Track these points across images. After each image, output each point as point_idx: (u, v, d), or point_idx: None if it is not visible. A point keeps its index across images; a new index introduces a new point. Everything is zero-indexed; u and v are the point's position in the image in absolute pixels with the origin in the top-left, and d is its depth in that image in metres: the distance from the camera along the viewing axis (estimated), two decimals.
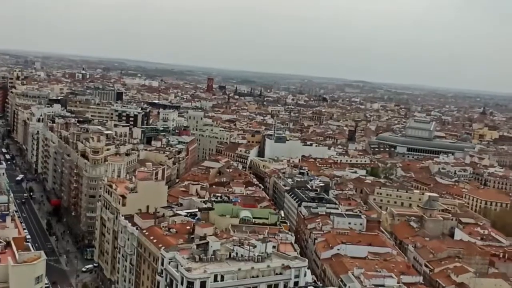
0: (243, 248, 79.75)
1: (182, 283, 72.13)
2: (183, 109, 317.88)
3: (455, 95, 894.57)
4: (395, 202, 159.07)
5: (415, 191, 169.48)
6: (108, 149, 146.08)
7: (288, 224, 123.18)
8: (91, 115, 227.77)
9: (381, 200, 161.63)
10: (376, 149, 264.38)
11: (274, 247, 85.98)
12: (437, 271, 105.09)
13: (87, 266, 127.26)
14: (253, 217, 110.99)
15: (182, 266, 73.57)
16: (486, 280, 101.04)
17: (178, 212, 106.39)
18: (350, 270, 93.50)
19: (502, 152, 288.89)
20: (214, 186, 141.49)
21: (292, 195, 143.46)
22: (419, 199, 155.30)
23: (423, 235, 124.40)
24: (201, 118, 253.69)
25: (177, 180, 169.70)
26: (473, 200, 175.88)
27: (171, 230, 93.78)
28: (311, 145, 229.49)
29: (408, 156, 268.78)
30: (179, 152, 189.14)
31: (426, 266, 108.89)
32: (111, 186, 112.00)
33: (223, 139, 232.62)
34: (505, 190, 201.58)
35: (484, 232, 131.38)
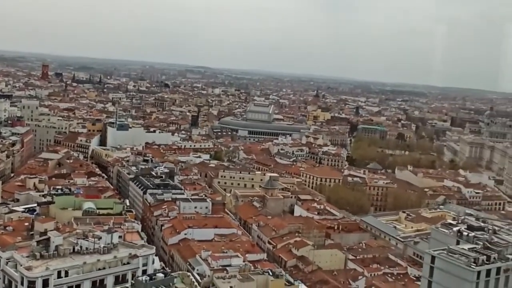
0: (88, 240, 77.70)
1: (22, 284, 68.50)
2: (16, 98, 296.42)
3: (291, 80, 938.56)
4: (239, 184, 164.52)
5: (257, 172, 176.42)
6: None
7: (134, 213, 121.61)
8: None
9: (225, 183, 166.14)
10: (219, 133, 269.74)
11: (120, 237, 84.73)
12: (280, 247, 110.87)
13: None
14: (97, 208, 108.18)
15: (21, 266, 69.85)
16: (324, 251, 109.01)
17: (14, 208, 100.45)
18: (197, 253, 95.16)
19: (334, 132, 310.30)
20: (53, 179, 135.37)
21: (137, 183, 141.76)
22: (261, 180, 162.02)
23: (266, 214, 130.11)
24: (37, 108, 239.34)
25: (12, 175, 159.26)
26: (309, 177, 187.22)
27: (7, 228, 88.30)
28: (154, 131, 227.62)
29: (249, 139, 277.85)
30: (13, 144, 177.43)
31: (269, 243, 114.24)
32: None
33: (62, 128, 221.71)
34: (338, 167, 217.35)
35: (320, 207, 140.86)
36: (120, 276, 77.41)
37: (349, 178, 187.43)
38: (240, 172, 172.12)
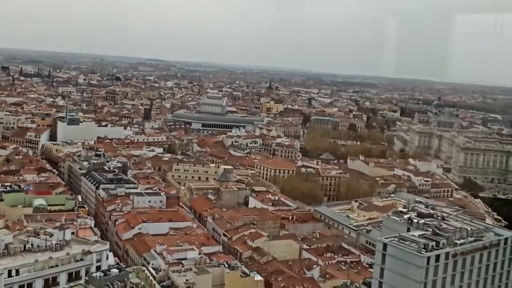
0: (39, 238, 76.26)
1: None
2: None
3: (244, 72, 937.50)
4: (193, 177, 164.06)
5: (211, 165, 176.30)
6: None
7: (87, 209, 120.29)
8: None
9: (179, 176, 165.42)
10: (172, 127, 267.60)
11: (73, 233, 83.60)
12: (235, 239, 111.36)
13: None
14: (48, 205, 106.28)
15: None
16: (278, 242, 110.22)
17: None
18: (152, 247, 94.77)
19: (287, 123, 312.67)
20: (2, 175, 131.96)
21: (89, 178, 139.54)
22: (215, 172, 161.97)
23: (221, 206, 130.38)
24: None
25: None
26: (263, 169, 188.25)
27: None
28: (106, 125, 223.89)
29: (203, 132, 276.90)
30: None
31: (224, 235, 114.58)
32: None
33: (10, 124, 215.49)
34: (291, 158, 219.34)
35: (274, 198, 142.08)
36: (74, 273, 76.33)
37: (303, 169, 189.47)
38: (194, 165, 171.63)
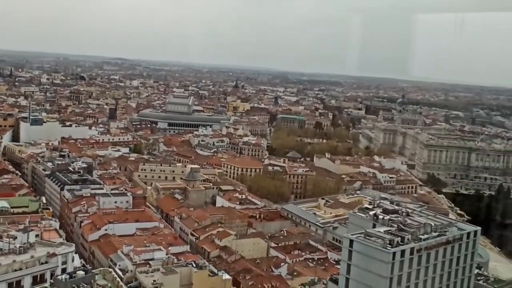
0: (2, 241, 74.82)
1: None
2: None
3: (210, 70, 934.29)
4: (160, 177, 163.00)
5: (177, 164, 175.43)
6: None
7: (51, 210, 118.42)
8: None
9: (146, 176, 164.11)
10: (138, 126, 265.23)
11: (37, 236, 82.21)
12: (202, 238, 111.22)
13: None
14: (11, 207, 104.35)
15: None
16: (246, 240, 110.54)
17: None
18: (119, 248, 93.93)
19: (254, 122, 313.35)
20: None
21: (54, 179, 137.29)
22: (182, 172, 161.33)
23: (188, 206, 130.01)
24: None
25: None
26: (231, 168, 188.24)
27: None
28: (70, 125, 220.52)
29: (169, 131, 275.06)
30: None
31: (192, 235, 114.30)
32: None
33: None
34: (258, 156, 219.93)
35: (242, 197, 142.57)
36: (38, 276, 75.08)
37: (270, 167, 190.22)
38: (161, 165, 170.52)
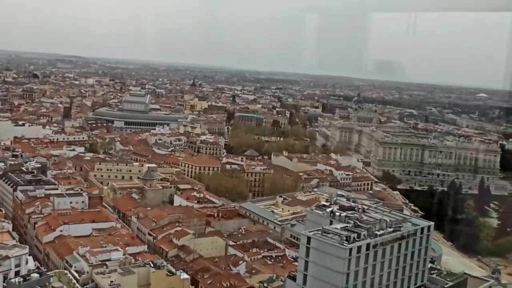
0: None
1: None
2: None
3: (167, 69, 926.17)
4: (116, 176, 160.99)
5: (134, 163, 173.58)
6: None
7: (4, 212, 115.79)
8: None
9: (102, 176, 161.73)
10: (94, 125, 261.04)
11: None
12: (160, 238, 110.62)
13: None
14: None
15: None
16: (204, 239, 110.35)
17: None
18: (75, 250, 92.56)
19: (212, 120, 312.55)
20: None
21: (6, 180, 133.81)
22: (139, 171, 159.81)
23: (145, 205, 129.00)
24: None
25: None
26: (188, 167, 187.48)
27: None
28: (23, 125, 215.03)
29: (126, 130, 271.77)
30: None
31: (149, 234, 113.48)
32: None
33: None
34: (216, 155, 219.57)
35: (200, 195, 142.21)
36: None
37: (228, 166, 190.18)
38: (117, 164, 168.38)
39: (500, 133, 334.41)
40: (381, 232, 76.58)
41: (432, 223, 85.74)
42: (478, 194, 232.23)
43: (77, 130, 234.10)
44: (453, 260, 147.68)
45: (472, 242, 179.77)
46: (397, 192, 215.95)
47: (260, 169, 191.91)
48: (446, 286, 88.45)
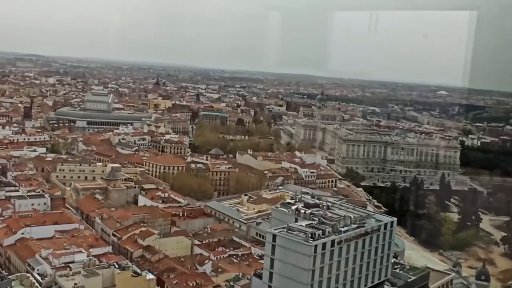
0: None
1: None
2: None
3: (130, 67, 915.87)
4: (79, 177, 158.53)
5: (98, 164, 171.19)
6: None
7: None
8: None
9: (65, 177, 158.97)
10: (55, 125, 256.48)
11: None
12: (125, 238, 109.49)
13: None
14: None
15: None
16: (170, 239, 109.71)
17: None
18: (37, 252, 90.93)
19: (176, 119, 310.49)
20: None
21: None
22: (103, 171, 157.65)
23: (109, 206, 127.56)
24: None
25: None
26: (153, 166, 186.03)
27: None
28: None
29: (88, 130, 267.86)
30: None
31: (114, 235, 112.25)
32: None
33: None
34: (180, 154, 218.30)
35: (164, 195, 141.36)
36: None
37: (192, 165, 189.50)
38: (80, 165, 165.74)
39: (459, 130, 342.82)
40: (346, 228, 77.56)
41: (395, 219, 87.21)
42: (439, 190, 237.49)
43: (38, 130, 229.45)
44: (415, 254, 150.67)
45: (434, 237, 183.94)
46: (360, 188, 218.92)
47: (225, 167, 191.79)
48: (409, 280, 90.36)
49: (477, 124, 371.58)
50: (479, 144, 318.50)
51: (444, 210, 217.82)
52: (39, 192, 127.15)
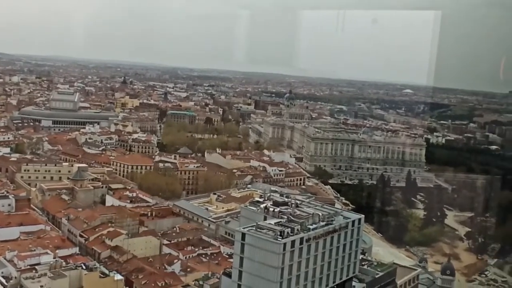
0: None
1: None
2: None
3: (96, 66, 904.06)
4: (45, 177, 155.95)
5: (64, 164, 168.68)
6: None
7: None
8: None
9: (30, 177, 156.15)
10: (20, 125, 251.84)
11: None
12: (92, 239, 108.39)
13: None
14: None
15: None
16: (138, 239, 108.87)
17: None
18: (1, 255, 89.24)
19: (143, 118, 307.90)
20: None
21: None
22: (69, 171, 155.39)
23: (76, 206, 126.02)
24: None
25: None
26: (120, 166, 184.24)
27: None
28: None
29: (54, 129, 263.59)
30: None
31: (81, 236, 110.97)
32: None
33: None
34: (148, 153, 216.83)
35: (132, 195, 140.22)
36: None
37: (160, 164, 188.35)
38: (46, 165, 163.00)
39: (425, 128, 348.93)
40: (314, 226, 78.08)
41: (362, 216, 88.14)
42: (405, 187, 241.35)
43: (2, 130, 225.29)
44: (383, 250, 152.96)
45: (400, 233, 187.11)
46: (328, 186, 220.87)
47: (194, 166, 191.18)
48: (376, 276, 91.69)
49: (442, 122, 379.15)
50: (443, 141, 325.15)
51: (410, 207, 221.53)
52: (3, 193, 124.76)
